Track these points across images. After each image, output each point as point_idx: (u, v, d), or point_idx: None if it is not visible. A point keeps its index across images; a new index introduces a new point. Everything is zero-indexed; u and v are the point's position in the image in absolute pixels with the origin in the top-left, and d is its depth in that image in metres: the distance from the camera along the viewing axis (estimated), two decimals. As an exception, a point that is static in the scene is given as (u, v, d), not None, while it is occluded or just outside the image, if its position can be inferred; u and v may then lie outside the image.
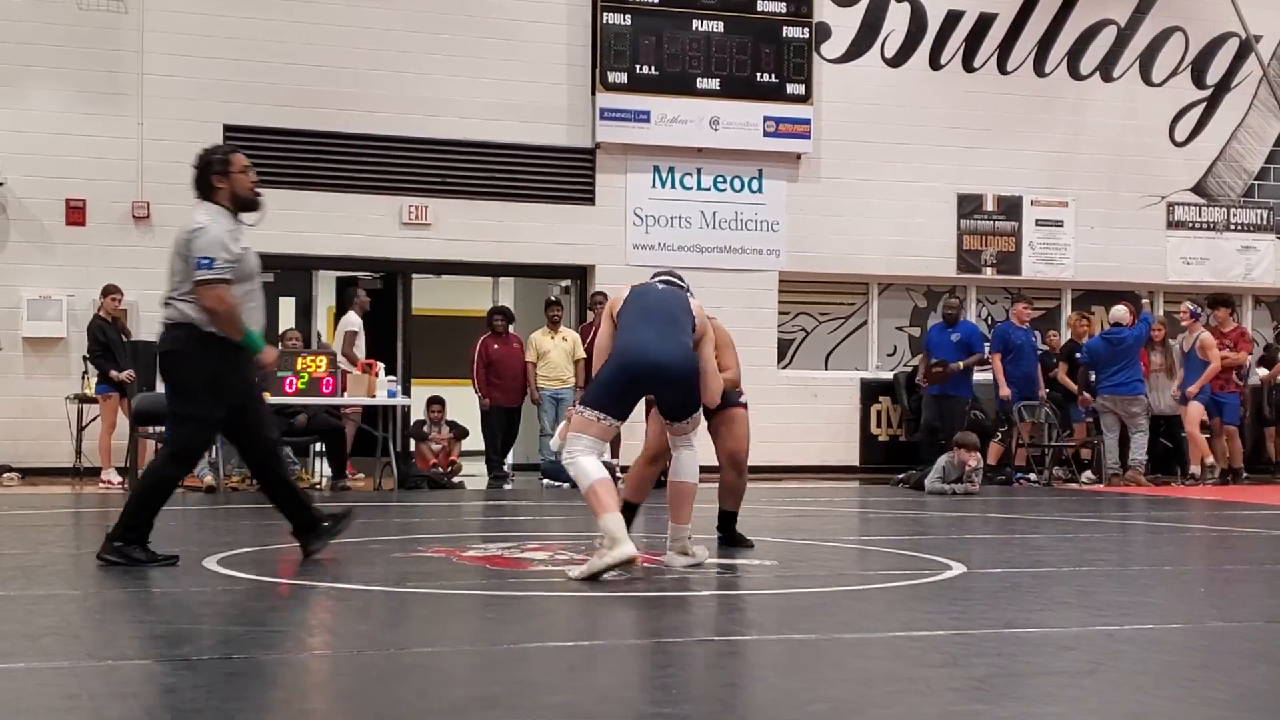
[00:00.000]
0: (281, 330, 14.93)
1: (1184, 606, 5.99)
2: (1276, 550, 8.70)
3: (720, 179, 16.59)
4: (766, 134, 16.50)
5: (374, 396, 13.38)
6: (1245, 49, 17.85)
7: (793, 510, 11.36)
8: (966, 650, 4.75)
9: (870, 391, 17.00)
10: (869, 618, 5.57)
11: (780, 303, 16.93)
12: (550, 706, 3.80)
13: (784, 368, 17.04)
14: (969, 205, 17.34)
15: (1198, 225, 18.07)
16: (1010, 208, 17.47)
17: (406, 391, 15.16)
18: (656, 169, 16.40)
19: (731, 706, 3.95)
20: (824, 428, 16.79)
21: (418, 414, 15.06)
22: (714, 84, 16.33)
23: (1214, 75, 18.12)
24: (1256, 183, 18.26)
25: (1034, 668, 4.52)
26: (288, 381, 12.97)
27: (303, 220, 15.26)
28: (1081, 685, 4.25)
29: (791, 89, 16.54)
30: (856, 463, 16.80)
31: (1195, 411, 15.05)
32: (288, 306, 16.00)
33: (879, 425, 16.87)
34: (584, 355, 14.86)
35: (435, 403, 14.67)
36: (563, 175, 16.17)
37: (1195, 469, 15.04)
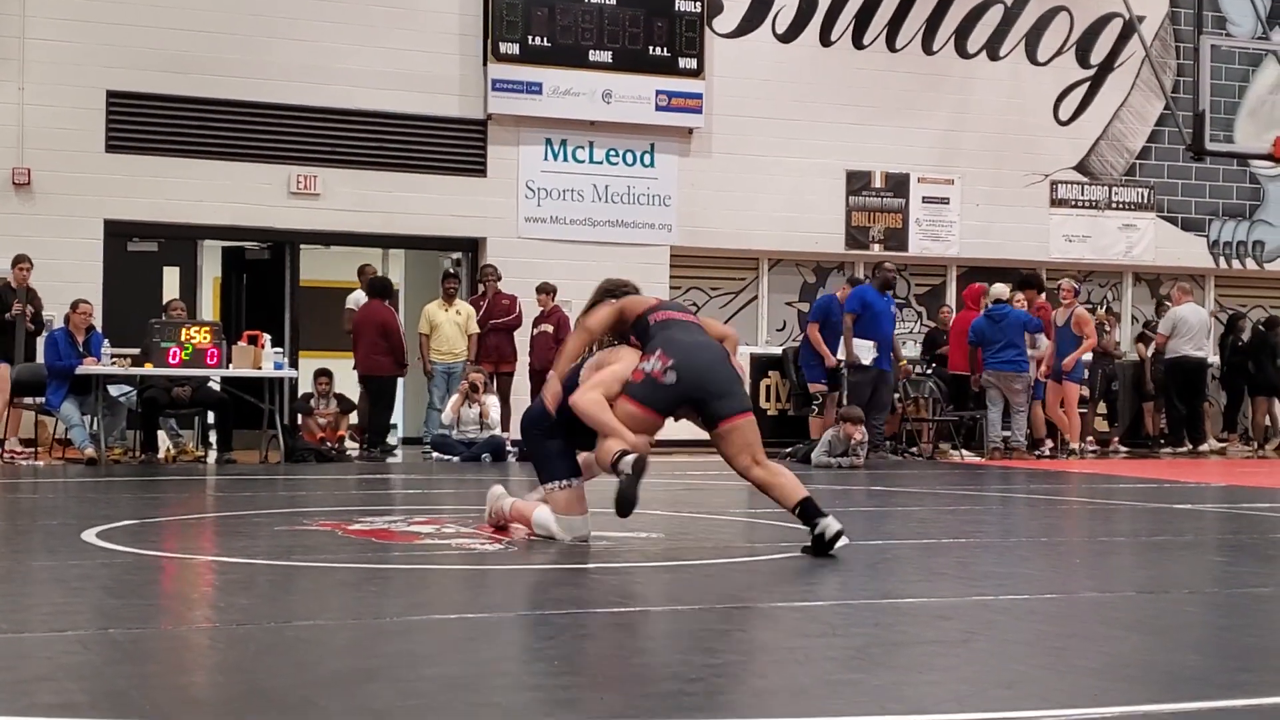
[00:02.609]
0: (166, 300, 14.71)
1: (1059, 577, 6.12)
2: (1150, 523, 8.93)
3: (613, 152, 16.59)
4: (659, 108, 16.52)
5: (260, 368, 13.21)
6: (1128, 30, 18.20)
7: (681, 484, 11.42)
8: (845, 620, 4.82)
9: (760, 366, 17.11)
10: (752, 589, 5.63)
11: (672, 277, 16.99)
12: (431, 678, 3.79)
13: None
14: (857, 182, 17.52)
15: (1080, 203, 18.43)
16: (898, 185, 17.67)
17: (294, 364, 14.99)
18: (549, 141, 16.36)
19: (612, 678, 3.97)
20: (714, 401, 16.86)
21: (305, 387, 14.92)
22: (606, 57, 16.31)
23: (1098, 55, 18.46)
24: (1138, 162, 18.64)
25: (910, 637, 4.60)
26: (171, 353, 12.77)
27: (188, 189, 15.02)
28: (955, 654, 4.34)
29: (684, 63, 16.57)
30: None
31: (1074, 389, 15.36)
32: (172, 276, 15.75)
33: (768, 399, 17.00)
34: (477, 329, 14.82)
35: (322, 375, 14.54)
36: (454, 146, 16.07)
37: (1076, 445, 15.37)
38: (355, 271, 16.95)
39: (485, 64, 15.95)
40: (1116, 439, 16.99)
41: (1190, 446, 16.91)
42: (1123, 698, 3.63)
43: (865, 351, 14.12)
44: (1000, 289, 15.42)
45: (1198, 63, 17.97)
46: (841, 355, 14.27)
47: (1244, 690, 3.75)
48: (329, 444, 13.97)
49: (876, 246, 17.64)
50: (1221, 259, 19.03)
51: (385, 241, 16.52)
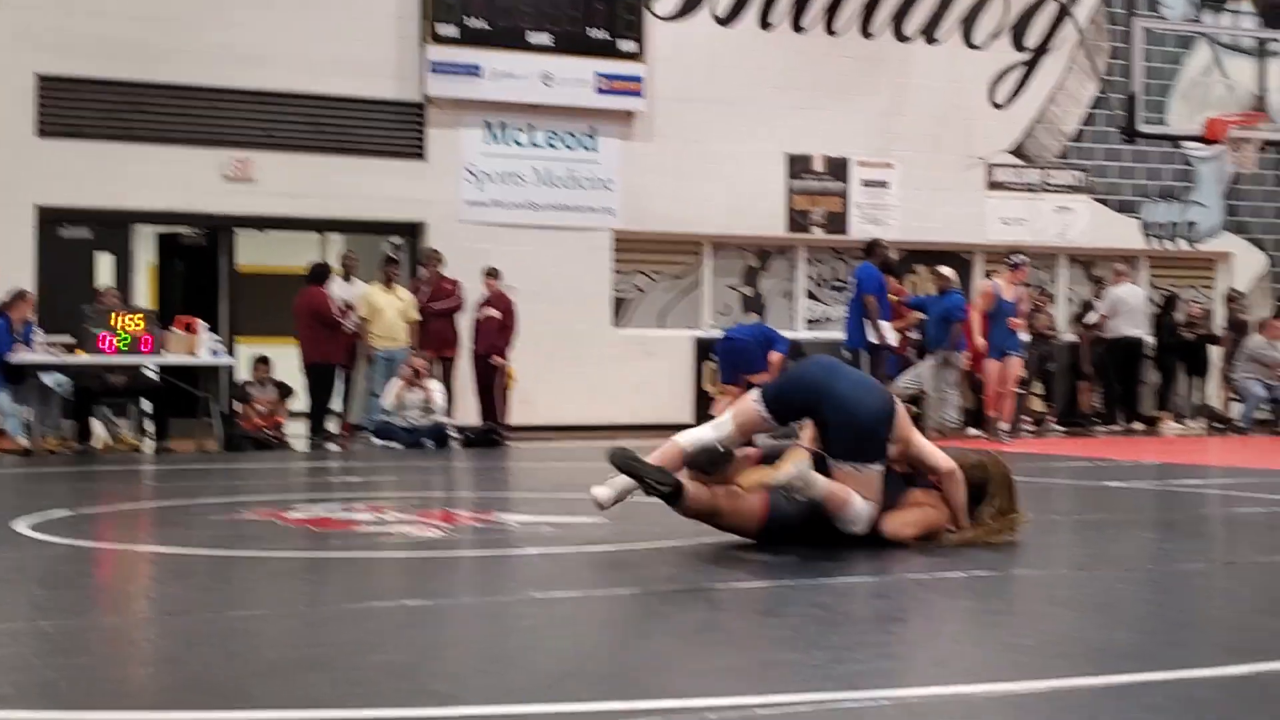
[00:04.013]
0: (99, 287, 14.54)
1: (992, 555, 6.16)
2: (1084, 501, 9.04)
3: (553, 136, 16.55)
4: (599, 91, 16.49)
5: (195, 355, 13.10)
6: (1063, 13, 18.33)
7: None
8: (782, 601, 4.85)
9: (704, 349, 17.15)
10: (691, 572, 5.64)
11: (616, 261, 16.98)
12: (370, 666, 3.79)
13: (619, 326, 17.12)
14: (798, 166, 17.57)
15: (1016, 186, 18.55)
16: (837, 168, 17.73)
17: (231, 350, 14.87)
18: (488, 124, 16.29)
19: (552, 662, 3.97)
20: (659, 385, 16.91)
21: (244, 374, 14.80)
22: (546, 39, 16.25)
23: (1033, 38, 18.58)
24: (1072, 145, 18.78)
25: (846, 616, 4.63)
26: (104, 340, 12.63)
27: (121, 174, 14.84)
28: (889, 631, 4.38)
29: (623, 46, 16.54)
30: (691, 420, 16.94)
31: (1016, 366, 15.38)
32: (105, 263, 15.57)
33: (713, 383, 17.00)
34: (417, 316, 14.76)
35: (261, 362, 14.44)
36: (392, 129, 15.98)
37: (1005, 424, 15.30)
38: (295, 256, 16.88)
39: (423, 46, 15.85)
40: (1053, 418, 17.14)
41: (1125, 425, 17.12)
42: (1053, 673, 3.68)
43: (889, 332, 14.80)
44: (951, 272, 15.57)
45: (1130, 45, 18.17)
46: (873, 337, 14.61)
47: (1172, 664, 3.81)
48: (268, 431, 13.88)
49: (818, 230, 17.71)
50: (1154, 240, 19.23)
51: (323, 226, 16.41)
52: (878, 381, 6.40)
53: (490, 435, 14.40)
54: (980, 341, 15.08)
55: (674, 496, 5.90)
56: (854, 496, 5.96)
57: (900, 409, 6.23)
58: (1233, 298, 18.39)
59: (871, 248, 15.31)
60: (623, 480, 6.02)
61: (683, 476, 6.02)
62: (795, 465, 5.84)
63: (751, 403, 6.26)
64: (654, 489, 5.87)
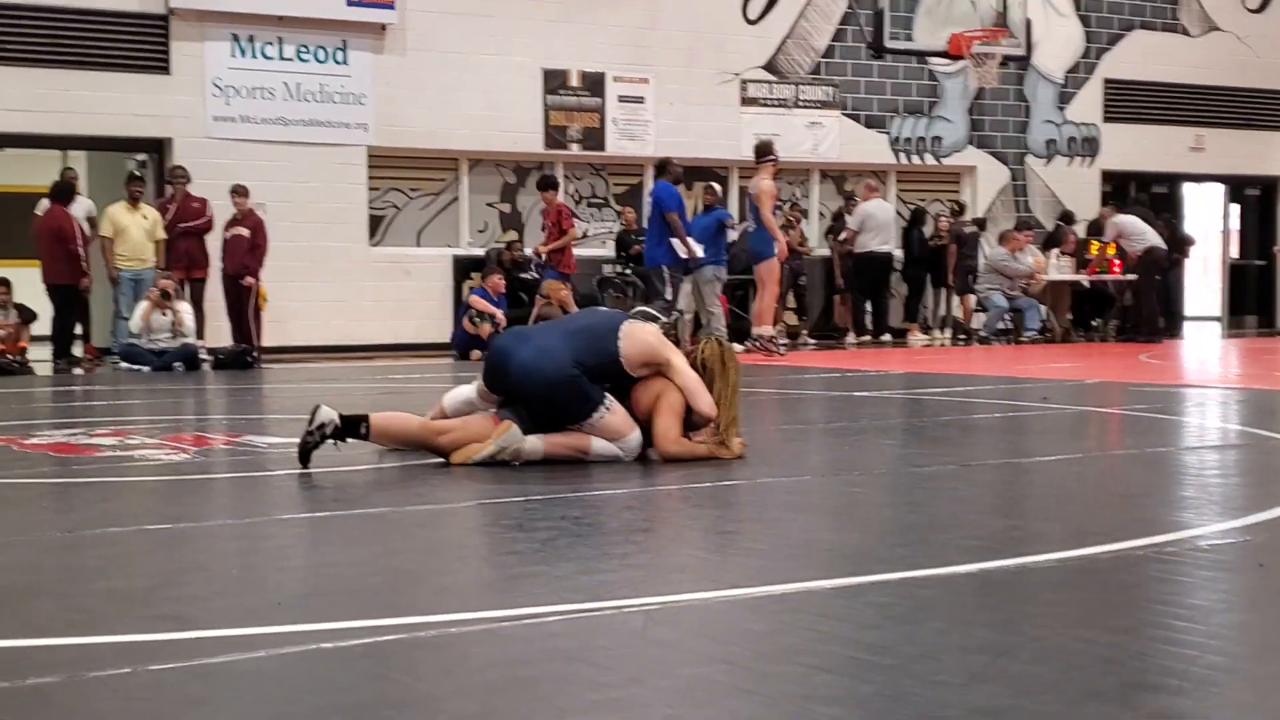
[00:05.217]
0: None
1: (740, 465, 6.32)
2: (832, 411, 9.32)
3: (303, 49, 16.14)
4: (349, 3, 16.14)
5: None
6: (814, -69, 18.59)
7: (383, 387, 11.33)
8: (533, 515, 4.88)
9: (463, 268, 17.05)
10: (441, 489, 5.64)
11: (370, 178, 16.71)
12: (101, 592, 3.69)
13: (376, 245, 16.88)
14: (554, 81, 17.50)
15: (769, 102, 18.84)
16: (594, 84, 17.73)
17: (-35, 273, 14.20)
18: (235, 37, 15.79)
19: (295, 583, 3.93)
20: (417, 305, 16.77)
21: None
22: (294, -52, 15.80)
23: (784, -46, 18.80)
24: (823, 60, 19.14)
25: (594, 529, 4.70)
26: None
27: None
28: (634, 542, 4.46)
29: (377, -43, 16.19)
30: (450, 340, 16.87)
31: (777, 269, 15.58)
32: None
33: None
34: (164, 235, 14.34)
35: (0, 284, 13.83)
36: (134, 42, 15.38)
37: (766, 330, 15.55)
38: (35, 175, 16.19)
39: (164, -45, 15.26)
40: (805, 331, 17.59)
41: (875, 337, 17.68)
42: (788, 576, 3.80)
43: (697, 248, 14.63)
44: (719, 189, 15.84)
45: (878, -38, 18.50)
46: (683, 253, 14.49)
47: (899, 564, 3.96)
48: (9, 356, 13.34)
49: (575, 146, 17.70)
50: (902, 155, 19.79)
51: (63, 143, 15.73)
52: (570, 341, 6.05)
53: (243, 357, 14.10)
54: (783, 243, 15.08)
55: (345, 435, 5.94)
56: (592, 441, 6.06)
57: (641, 341, 6.08)
58: (956, 212, 19.06)
59: (664, 165, 15.13)
60: (331, 440, 5.99)
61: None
62: (496, 441, 5.95)
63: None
64: (334, 435, 5.92)
